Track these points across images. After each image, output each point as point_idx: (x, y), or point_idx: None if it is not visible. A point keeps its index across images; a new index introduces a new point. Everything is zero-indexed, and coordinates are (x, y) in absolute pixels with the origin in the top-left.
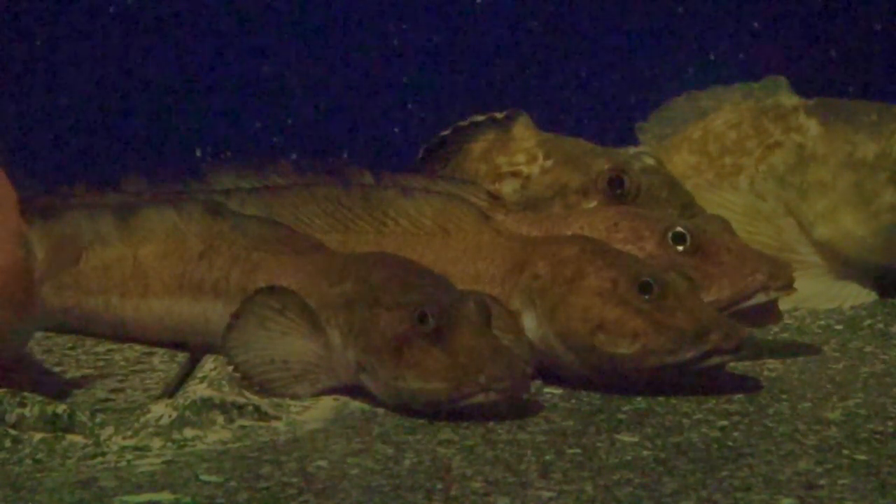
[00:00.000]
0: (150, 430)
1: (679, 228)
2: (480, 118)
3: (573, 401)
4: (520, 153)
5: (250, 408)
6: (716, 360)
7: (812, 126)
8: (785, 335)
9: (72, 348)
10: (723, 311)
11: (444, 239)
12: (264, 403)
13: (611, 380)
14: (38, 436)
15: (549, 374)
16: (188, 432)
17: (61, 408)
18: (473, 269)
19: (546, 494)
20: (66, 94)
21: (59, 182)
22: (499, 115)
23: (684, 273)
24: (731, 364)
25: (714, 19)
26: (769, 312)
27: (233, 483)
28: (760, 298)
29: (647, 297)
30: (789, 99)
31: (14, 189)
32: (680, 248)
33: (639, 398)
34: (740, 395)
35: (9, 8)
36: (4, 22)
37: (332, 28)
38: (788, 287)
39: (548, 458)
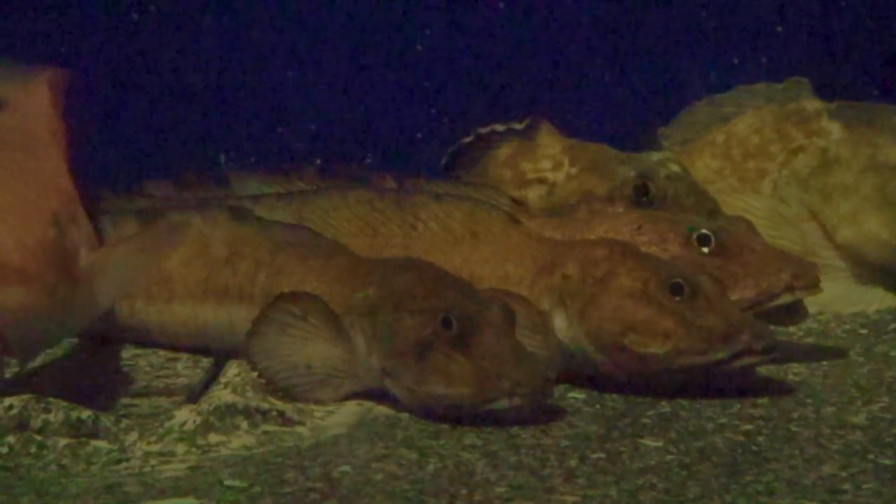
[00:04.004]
0: (175, 435)
1: (703, 230)
2: (500, 128)
3: (597, 405)
4: (545, 159)
5: (274, 413)
6: (746, 361)
7: (835, 130)
8: (809, 339)
9: (96, 354)
10: (747, 310)
11: (473, 241)
12: (288, 409)
13: (640, 380)
14: (62, 441)
15: (574, 378)
16: (212, 438)
17: (86, 413)
18: (502, 270)
19: (570, 499)
20: (89, 98)
21: (85, 186)
22: (518, 126)
23: (714, 275)
24: (756, 368)
25: (736, 22)
26: (795, 310)
27: (257, 488)
28: (786, 298)
29: (678, 298)
30: (812, 103)
31: (69, 178)
32: (704, 249)
33: (663, 402)
34: (764, 400)
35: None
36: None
37: (355, 34)
38: (814, 287)
39: (572, 462)
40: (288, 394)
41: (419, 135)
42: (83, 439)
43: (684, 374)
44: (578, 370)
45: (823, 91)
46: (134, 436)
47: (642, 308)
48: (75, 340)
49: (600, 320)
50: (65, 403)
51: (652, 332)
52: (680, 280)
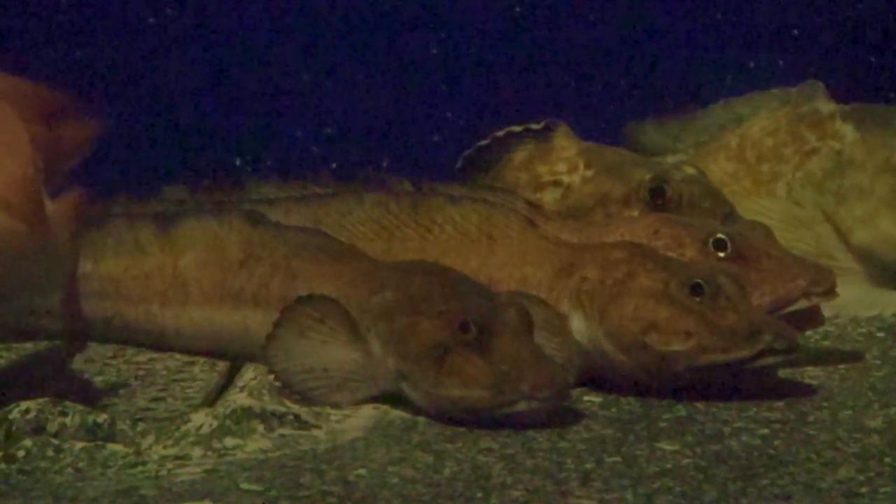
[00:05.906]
0: (191, 439)
1: (720, 235)
2: (517, 129)
3: (613, 409)
4: (561, 162)
5: (290, 416)
6: (768, 360)
7: (848, 132)
8: (826, 342)
9: (112, 357)
10: None
11: (490, 245)
12: (304, 412)
13: (660, 380)
14: (79, 445)
15: (591, 381)
16: (228, 441)
17: (102, 417)
18: (520, 273)
19: (586, 503)
20: (105, 104)
21: (100, 192)
22: (535, 126)
23: (734, 276)
24: (773, 371)
25: (752, 25)
26: (812, 315)
27: (273, 492)
28: (802, 304)
29: (698, 298)
30: (825, 105)
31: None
32: (721, 254)
33: (679, 406)
34: (781, 403)
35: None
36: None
37: (370, 38)
38: (831, 293)
39: (588, 466)
40: (304, 397)
41: (435, 138)
42: (99, 443)
43: (706, 374)
44: (596, 372)
45: (839, 94)
46: (150, 439)
47: (664, 307)
48: (91, 345)
49: (621, 319)
50: (81, 407)
51: (674, 331)
52: (700, 280)
